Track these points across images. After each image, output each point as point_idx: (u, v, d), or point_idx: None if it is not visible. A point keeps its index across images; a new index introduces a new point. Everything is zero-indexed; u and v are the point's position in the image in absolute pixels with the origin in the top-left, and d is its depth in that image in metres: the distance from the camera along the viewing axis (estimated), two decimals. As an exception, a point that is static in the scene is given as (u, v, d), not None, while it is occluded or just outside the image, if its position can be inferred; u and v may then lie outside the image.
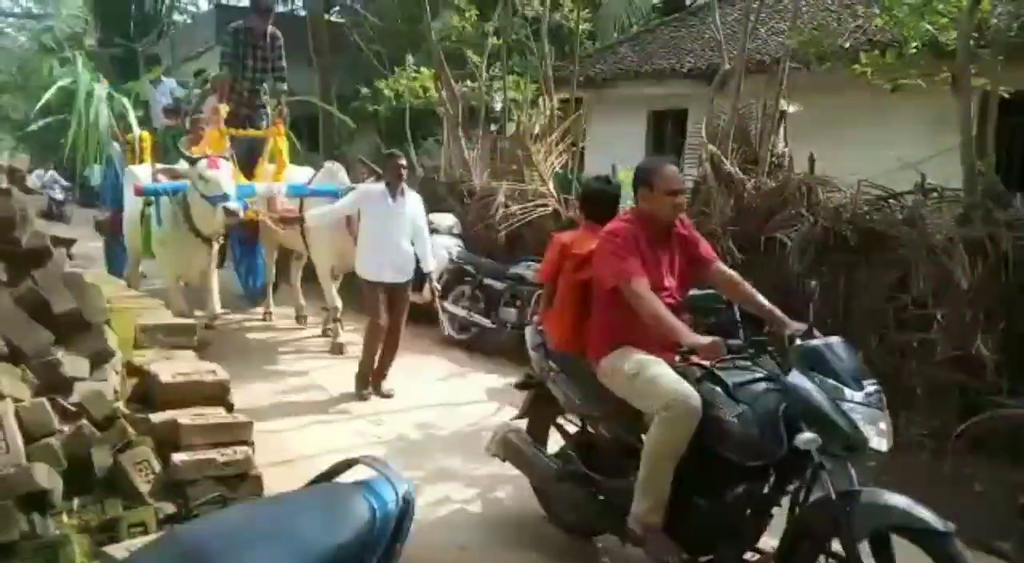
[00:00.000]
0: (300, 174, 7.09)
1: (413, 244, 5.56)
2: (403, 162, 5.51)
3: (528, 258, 7.03)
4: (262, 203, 6.59)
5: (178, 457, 2.71)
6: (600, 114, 11.01)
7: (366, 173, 6.80)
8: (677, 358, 3.02)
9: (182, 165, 5.78)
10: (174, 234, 5.88)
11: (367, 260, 5.46)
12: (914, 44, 5.82)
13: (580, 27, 9.57)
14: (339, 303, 6.74)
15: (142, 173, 6.34)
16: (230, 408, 3.00)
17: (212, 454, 2.75)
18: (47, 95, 7.78)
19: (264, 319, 7.81)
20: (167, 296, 6.09)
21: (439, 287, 6.05)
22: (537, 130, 8.30)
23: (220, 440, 2.80)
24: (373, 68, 11.54)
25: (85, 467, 2.68)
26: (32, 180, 14.27)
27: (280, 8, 22.32)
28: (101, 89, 7.43)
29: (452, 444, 4.73)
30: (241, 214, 5.67)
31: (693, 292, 3.35)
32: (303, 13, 14.56)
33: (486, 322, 6.83)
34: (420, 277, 5.78)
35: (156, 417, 2.88)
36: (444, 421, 5.11)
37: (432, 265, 5.80)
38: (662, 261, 3.10)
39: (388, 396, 5.52)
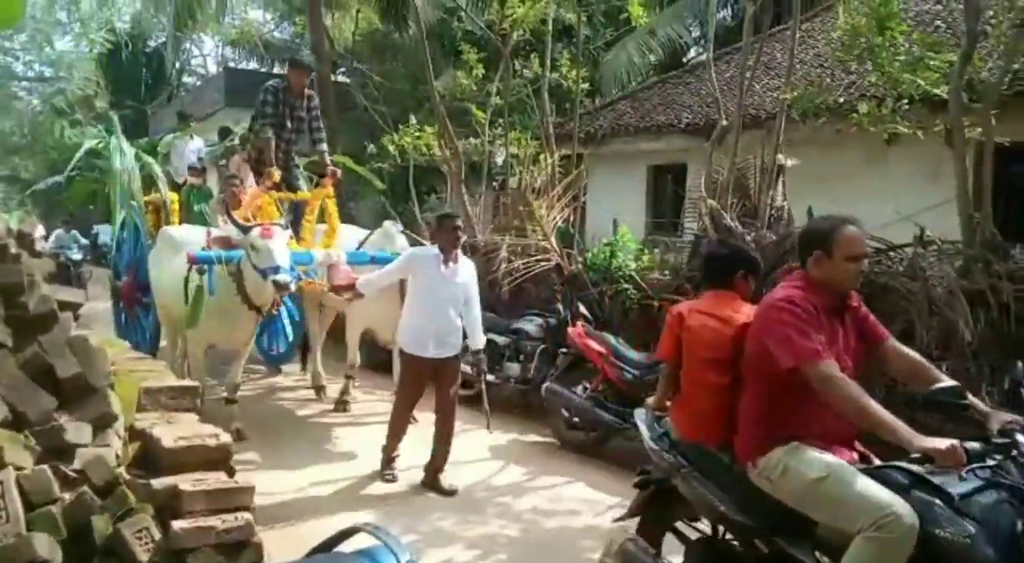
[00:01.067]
0: (351, 235, 6.73)
1: (461, 317, 4.98)
2: (459, 224, 4.99)
3: (531, 313, 7.05)
4: (320, 272, 6.13)
5: (178, 524, 2.67)
6: (600, 169, 11.17)
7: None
8: (856, 457, 2.60)
9: (234, 231, 5.38)
10: (224, 303, 5.42)
11: (410, 331, 4.89)
12: (906, 98, 5.94)
13: (579, 86, 9.79)
14: (357, 361, 6.61)
15: (179, 235, 6.05)
16: (231, 472, 2.98)
17: (212, 521, 2.71)
18: (77, 155, 7.47)
19: (315, 390, 7.14)
20: (189, 362, 5.95)
21: (486, 370, 5.44)
22: (539, 185, 8.42)
23: (221, 506, 2.77)
24: (378, 128, 11.78)
25: (85, 535, 2.65)
26: (49, 241, 14.11)
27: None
28: (128, 148, 7.20)
29: (455, 504, 4.67)
30: (292, 287, 5.25)
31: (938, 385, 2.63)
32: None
33: (490, 377, 6.80)
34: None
35: (157, 482, 2.85)
36: (446, 480, 5.04)
37: (482, 342, 5.18)
38: (838, 338, 2.63)
39: (451, 493, 4.82)
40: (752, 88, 8.76)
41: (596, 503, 4.70)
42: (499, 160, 10.45)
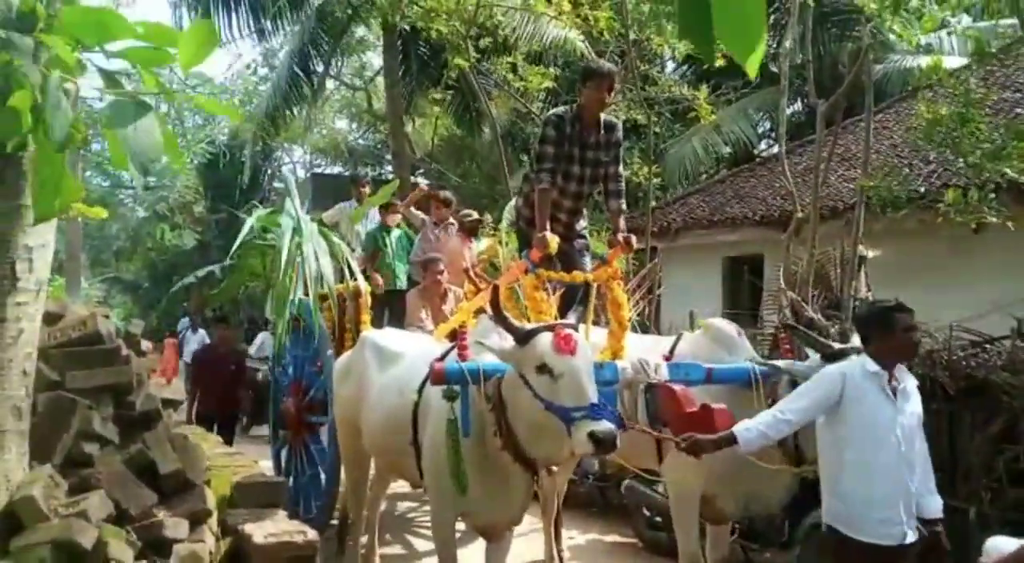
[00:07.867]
0: (637, 341, 4.33)
1: None
2: (916, 324, 3.08)
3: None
4: (628, 396, 3.73)
5: (267, 622, 2.73)
6: (675, 262, 11.19)
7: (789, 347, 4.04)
8: None
9: (485, 333, 3.34)
10: (481, 453, 3.26)
11: (857, 504, 2.95)
12: (992, 187, 5.82)
13: (652, 181, 9.96)
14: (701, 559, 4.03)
15: (393, 342, 4.23)
16: (318, 570, 3.03)
17: (301, 618, 2.76)
18: (245, 228, 5.53)
19: None
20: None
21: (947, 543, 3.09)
22: (614, 279, 8.48)
23: (308, 604, 2.82)
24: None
25: (177, 632, 2.72)
26: (253, 347, 11.87)
27: (370, 174, 24.15)
28: (308, 221, 5.46)
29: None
30: (618, 444, 2.84)
31: None
32: (391, 177, 15.74)
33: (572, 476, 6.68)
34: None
35: (247, 579, 2.93)
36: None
37: (940, 507, 3.09)
38: None
39: None
40: (827, 179, 8.74)
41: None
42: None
